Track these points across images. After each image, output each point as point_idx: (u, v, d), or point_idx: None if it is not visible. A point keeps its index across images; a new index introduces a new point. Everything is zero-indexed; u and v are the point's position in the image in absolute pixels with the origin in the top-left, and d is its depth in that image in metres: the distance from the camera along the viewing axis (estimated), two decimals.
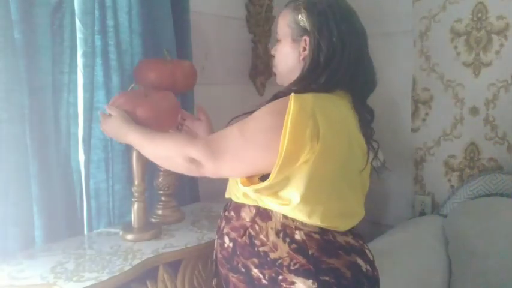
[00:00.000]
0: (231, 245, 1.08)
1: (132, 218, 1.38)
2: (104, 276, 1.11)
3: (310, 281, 0.96)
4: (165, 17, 1.61)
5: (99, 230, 1.48)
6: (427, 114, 2.20)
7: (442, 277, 1.78)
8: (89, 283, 1.08)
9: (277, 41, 1.17)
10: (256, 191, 1.01)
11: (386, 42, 2.23)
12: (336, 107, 1.03)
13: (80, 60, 1.42)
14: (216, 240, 1.17)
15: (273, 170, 0.95)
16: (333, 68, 1.05)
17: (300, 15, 1.09)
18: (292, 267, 0.97)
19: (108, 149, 1.53)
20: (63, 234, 1.38)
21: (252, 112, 1.08)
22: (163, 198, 1.56)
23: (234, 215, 1.10)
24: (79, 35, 1.40)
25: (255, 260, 1.02)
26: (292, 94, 0.96)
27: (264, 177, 1.00)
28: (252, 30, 2.11)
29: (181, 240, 1.36)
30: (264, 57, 2.13)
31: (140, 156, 1.35)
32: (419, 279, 1.68)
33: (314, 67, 1.06)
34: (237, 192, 1.09)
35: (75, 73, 1.41)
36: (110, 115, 1.23)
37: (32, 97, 1.29)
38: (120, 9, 1.52)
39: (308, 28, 1.08)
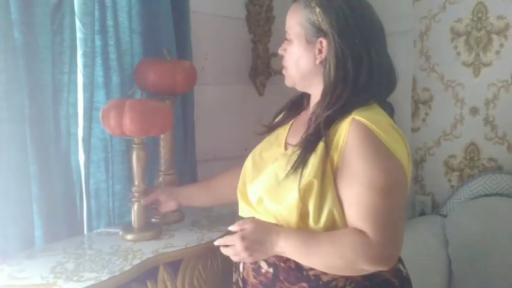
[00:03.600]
0: (270, 270, 1.01)
1: (132, 218, 1.38)
2: (104, 276, 1.11)
3: None
4: (165, 17, 1.61)
5: (99, 230, 1.47)
6: (427, 114, 2.20)
7: (442, 277, 1.78)
8: (89, 283, 1.08)
9: (286, 39, 1.09)
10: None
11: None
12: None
13: (80, 60, 1.42)
14: (242, 263, 1.09)
15: None
16: (364, 73, 0.98)
17: (314, 13, 1.00)
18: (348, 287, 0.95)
19: (108, 149, 1.52)
20: (63, 234, 1.38)
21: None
22: None
23: None
24: (79, 35, 1.40)
25: (304, 285, 0.97)
26: (371, 127, 0.93)
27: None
28: (252, 30, 2.11)
29: (181, 240, 1.36)
30: (264, 57, 2.12)
31: (140, 156, 1.35)
32: (419, 279, 1.68)
33: (343, 76, 0.98)
34: (290, 218, 0.98)
35: (75, 73, 1.41)
36: (237, 231, 1.02)
37: (32, 97, 1.29)
38: (120, 9, 1.52)
39: (324, 28, 0.99)
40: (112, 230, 1.45)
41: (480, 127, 2.04)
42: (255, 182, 1.08)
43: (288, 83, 1.12)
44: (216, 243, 1.04)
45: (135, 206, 1.38)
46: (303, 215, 0.96)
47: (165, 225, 1.49)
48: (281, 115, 1.24)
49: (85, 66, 1.42)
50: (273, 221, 1.01)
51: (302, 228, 0.97)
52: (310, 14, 1.01)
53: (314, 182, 0.94)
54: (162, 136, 1.51)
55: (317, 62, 1.02)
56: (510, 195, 1.89)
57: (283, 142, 1.12)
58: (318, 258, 0.95)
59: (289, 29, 1.07)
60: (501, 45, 1.97)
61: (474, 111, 2.06)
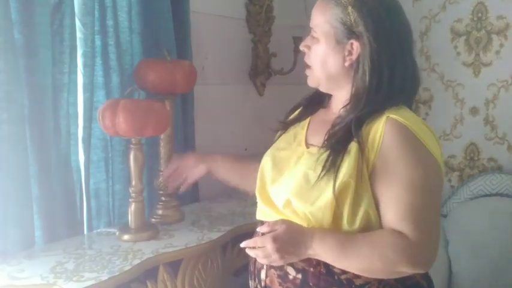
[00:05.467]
0: (299, 276, 0.96)
1: (129, 219, 1.38)
2: (104, 276, 1.11)
3: None
4: (165, 17, 1.61)
5: (99, 230, 1.48)
6: (427, 114, 2.20)
7: (442, 277, 1.78)
8: (89, 283, 1.08)
9: (312, 37, 1.02)
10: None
11: None
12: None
13: (80, 60, 1.42)
14: (265, 270, 1.03)
15: None
16: (399, 78, 0.95)
17: (346, 13, 0.95)
18: None
19: (108, 149, 1.52)
20: (63, 234, 1.38)
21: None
22: (163, 198, 1.56)
23: None
24: (79, 35, 1.40)
25: None
26: (408, 125, 0.91)
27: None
28: (252, 30, 2.11)
29: (181, 240, 1.36)
30: (264, 57, 2.12)
31: (137, 156, 1.35)
32: None
33: (378, 81, 0.94)
34: (323, 219, 0.94)
35: (75, 73, 1.41)
36: (266, 233, 0.94)
37: (32, 97, 1.29)
38: (120, 9, 1.52)
39: (357, 30, 0.94)
40: (112, 230, 1.45)
41: (480, 127, 2.04)
42: (278, 183, 1.03)
43: (312, 83, 1.06)
44: (243, 244, 0.96)
45: (133, 206, 1.38)
46: (337, 216, 0.93)
47: (165, 225, 1.49)
48: (296, 112, 1.19)
49: (85, 66, 1.42)
50: (302, 223, 0.96)
51: (335, 229, 0.94)
52: (342, 13, 0.96)
53: (350, 182, 0.90)
54: (162, 136, 1.51)
55: (346, 64, 0.98)
56: (510, 195, 1.89)
57: (303, 141, 1.07)
58: (356, 260, 0.91)
59: (317, 27, 1.00)
60: (501, 45, 1.96)
61: (474, 111, 2.06)
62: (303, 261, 0.95)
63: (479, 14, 2.00)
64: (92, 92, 1.44)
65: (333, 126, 0.98)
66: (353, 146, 0.93)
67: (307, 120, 1.12)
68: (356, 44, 0.95)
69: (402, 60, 0.96)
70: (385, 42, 0.94)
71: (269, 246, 0.91)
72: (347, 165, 0.91)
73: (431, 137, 0.95)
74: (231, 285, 1.48)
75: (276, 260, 0.92)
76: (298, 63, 2.12)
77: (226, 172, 1.32)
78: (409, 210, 0.89)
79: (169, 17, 1.63)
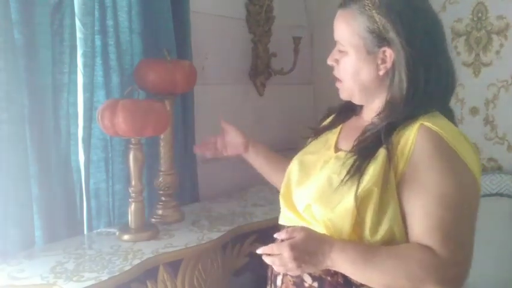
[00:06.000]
0: (315, 284, 0.93)
1: (129, 219, 1.38)
2: (104, 276, 1.11)
3: None
4: (165, 17, 1.61)
5: (99, 230, 1.48)
6: None
7: None
8: (89, 283, 1.08)
9: (339, 51, 0.97)
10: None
11: None
12: None
13: (80, 60, 1.42)
14: (281, 276, 0.99)
15: None
16: (433, 81, 0.91)
17: (373, 21, 0.90)
18: None
19: (108, 149, 1.52)
20: (63, 234, 1.38)
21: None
22: (163, 198, 1.56)
23: None
24: (79, 35, 1.40)
25: None
26: (441, 133, 0.87)
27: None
28: (252, 30, 2.11)
29: (181, 240, 1.36)
30: (264, 57, 2.12)
31: (137, 156, 1.35)
32: None
33: (415, 87, 0.90)
34: (342, 227, 0.90)
35: (75, 73, 1.41)
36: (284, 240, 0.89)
37: (32, 97, 1.29)
38: (120, 9, 1.52)
39: (388, 37, 0.90)
40: (112, 230, 1.45)
41: (480, 127, 2.04)
42: (303, 186, 1.00)
43: (344, 96, 1.02)
44: (259, 251, 0.90)
45: (133, 206, 1.38)
46: (358, 224, 0.88)
47: (165, 225, 1.49)
48: (329, 119, 1.16)
49: (85, 66, 1.42)
50: (321, 229, 0.92)
51: (354, 239, 0.89)
52: (368, 21, 0.91)
53: (374, 190, 0.86)
54: (162, 136, 1.51)
55: (380, 73, 0.93)
56: (510, 195, 1.89)
57: (333, 146, 1.04)
58: (378, 275, 0.86)
59: (343, 40, 0.95)
60: (501, 45, 1.96)
61: (474, 111, 2.06)
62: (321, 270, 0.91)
63: (479, 14, 2.00)
64: (92, 92, 1.44)
65: (364, 132, 0.95)
66: (381, 153, 0.89)
67: (339, 126, 1.09)
68: (389, 51, 0.91)
69: (436, 62, 0.93)
70: (419, 45, 0.90)
71: (286, 254, 0.86)
72: (372, 172, 0.87)
73: (467, 148, 0.90)
74: (231, 285, 1.48)
75: (293, 268, 0.87)
76: (298, 63, 2.12)
77: (261, 159, 1.32)
78: (438, 224, 0.84)
79: (169, 17, 1.63)
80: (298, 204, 0.99)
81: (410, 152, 0.88)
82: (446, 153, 0.87)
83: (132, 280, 1.17)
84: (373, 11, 0.90)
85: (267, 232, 1.46)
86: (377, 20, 0.90)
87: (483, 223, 1.81)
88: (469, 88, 2.06)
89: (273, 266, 0.91)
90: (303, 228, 0.90)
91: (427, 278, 0.83)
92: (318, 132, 1.14)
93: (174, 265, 1.28)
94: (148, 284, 1.22)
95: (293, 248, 0.86)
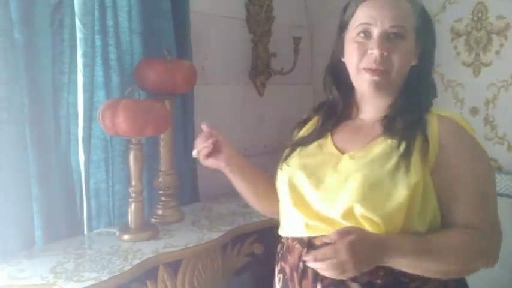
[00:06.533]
0: None
1: (129, 219, 1.38)
2: (104, 276, 1.11)
3: None
4: (165, 17, 1.61)
5: (99, 230, 1.48)
6: None
7: None
8: (89, 283, 1.08)
9: (399, 36, 0.94)
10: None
11: None
12: None
13: (80, 60, 1.42)
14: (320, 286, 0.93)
15: None
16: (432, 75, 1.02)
17: (416, 17, 0.96)
18: None
19: (108, 149, 1.52)
20: (63, 234, 1.38)
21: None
22: (163, 198, 1.56)
23: None
24: (79, 35, 1.40)
25: None
26: (459, 122, 0.94)
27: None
28: (252, 30, 2.11)
29: (181, 240, 1.36)
30: (264, 57, 2.12)
31: (137, 156, 1.35)
32: None
33: (427, 77, 1.01)
34: (396, 222, 0.89)
35: (75, 73, 1.41)
36: (337, 241, 0.85)
37: (32, 97, 1.29)
38: (120, 9, 1.52)
39: (418, 27, 0.96)
40: (112, 230, 1.45)
41: (480, 127, 2.04)
42: (325, 192, 0.95)
43: (381, 87, 0.96)
44: (309, 259, 0.86)
45: (133, 206, 1.38)
46: (408, 217, 0.89)
47: (165, 225, 1.49)
48: (305, 129, 1.12)
49: (85, 66, 1.42)
50: (366, 228, 0.90)
51: (406, 232, 0.89)
52: (414, 16, 0.96)
53: (420, 181, 0.89)
54: (162, 136, 1.51)
55: (413, 63, 0.98)
56: (510, 195, 1.89)
57: (334, 149, 1.01)
58: (434, 264, 0.88)
59: (404, 21, 0.94)
60: (501, 45, 1.96)
61: (474, 111, 2.05)
62: (366, 274, 0.88)
63: (479, 14, 2.00)
64: (92, 92, 1.44)
65: (390, 125, 0.96)
66: (418, 143, 0.92)
67: (328, 134, 1.06)
68: (418, 41, 0.97)
69: (431, 61, 1.02)
70: (433, 39, 1.01)
71: (344, 257, 0.83)
72: (414, 165, 0.89)
73: (474, 131, 0.97)
74: (231, 285, 1.48)
75: (350, 269, 0.84)
76: (298, 63, 2.12)
77: (242, 181, 1.15)
78: (478, 203, 0.91)
79: (169, 17, 1.63)
80: (333, 212, 0.93)
81: (437, 142, 0.92)
82: (468, 139, 0.93)
83: (132, 280, 1.17)
84: (412, 4, 0.96)
85: (267, 232, 1.47)
86: (417, 13, 0.96)
87: None
88: (469, 88, 2.06)
89: (321, 272, 0.87)
90: (355, 229, 0.88)
91: (476, 256, 0.90)
92: (296, 145, 1.07)
93: (174, 265, 1.28)
94: (148, 284, 1.22)
95: (351, 248, 0.83)
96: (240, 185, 1.16)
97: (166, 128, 1.38)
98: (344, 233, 0.86)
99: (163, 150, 1.54)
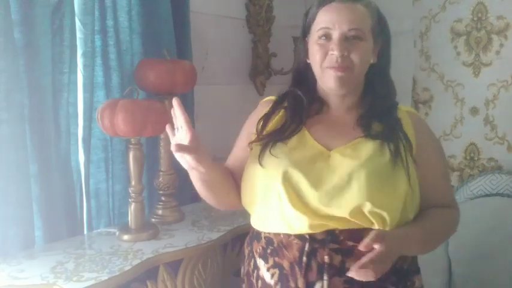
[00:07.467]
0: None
1: (129, 219, 1.38)
2: (104, 276, 1.11)
3: None
4: (165, 17, 1.61)
5: (99, 230, 1.48)
6: (427, 114, 2.19)
7: (442, 278, 1.78)
8: (89, 283, 1.08)
9: (356, 38, 0.99)
10: None
11: None
12: None
13: (80, 60, 1.42)
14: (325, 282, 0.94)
15: None
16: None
17: (374, 18, 1.04)
18: None
19: (108, 149, 1.53)
20: (63, 234, 1.38)
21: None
22: (163, 198, 1.56)
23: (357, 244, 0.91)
24: (79, 35, 1.40)
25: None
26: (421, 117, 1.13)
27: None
28: (252, 30, 2.11)
29: (181, 240, 1.36)
30: (264, 57, 2.13)
31: (137, 156, 1.35)
32: None
33: (385, 73, 1.10)
34: (398, 213, 0.94)
35: (75, 73, 1.41)
36: (375, 243, 0.89)
37: (32, 97, 1.29)
38: (120, 9, 1.52)
39: (374, 27, 1.03)
40: (112, 230, 1.45)
41: (480, 127, 2.04)
42: (327, 188, 0.95)
43: (346, 85, 1.01)
44: (358, 270, 0.88)
45: (133, 206, 1.38)
46: (405, 208, 0.96)
47: (165, 225, 1.49)
48: (274, 120, 1.09)
49: (85, 66, 1.42)
50: (375, 225, 0.93)
51: (404, 221, 0.97)
52: (371, 13, 1.04)
53: (414, 174, 0.98)
54: (162, 136, 1.51)
55: (372, 60, 1.05)
56: (510, 195, 1.89)
57: (317, 144, 1.02)
58: (435, 243, 1.06)
59: (362, 25, 1.00)
60: (501, 45, 1.96)
61: (474, 111, 2.06)
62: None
63: (479, 14, 2.00)
64: (92, 92, 1.45)
65: (365, 119, 1.04)
66: (400, 137, 1.01)
67: (303, 128, 1.06)
68: (377, 41, 1.05)
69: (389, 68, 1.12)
70: (389, 39, 1.10)
71: (387, 258, 0.91)
72: (405, 154, 0.99)
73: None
74: (231, 285, 1.48)
75: (385, 269, 0.91)
76: None
77: (211, 184, 1.06)
78: (447, 185, 1.09)
79: (169, 17, 1.63)
80: (341, 211, 0.94)
81: (414, 135, 1.03)
82: (430, 130, 1.10)
83: (132, 280, 1.17)
84: (369, 7, 1.03)
85: None
86: (374, 14, 1.04)
87: (483, 223, 1.82)
88: (469, 88, 2.06)
89: (366, 277, 0.88)
90: (382, 231, 0.93)
91: (454, 229, 1.08)
92: (278, 137, 1.04)
93: (174, 265, 1.28)
94: (148, 284, 1.22)
95: (389, 251, 0.90)
96: (209, 180, 1.05)
97: (165, 128, 1.38)
98: (379, 237, 0.89)
99: (163, 150, 1.54)
